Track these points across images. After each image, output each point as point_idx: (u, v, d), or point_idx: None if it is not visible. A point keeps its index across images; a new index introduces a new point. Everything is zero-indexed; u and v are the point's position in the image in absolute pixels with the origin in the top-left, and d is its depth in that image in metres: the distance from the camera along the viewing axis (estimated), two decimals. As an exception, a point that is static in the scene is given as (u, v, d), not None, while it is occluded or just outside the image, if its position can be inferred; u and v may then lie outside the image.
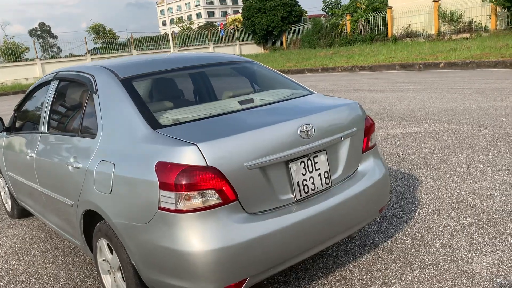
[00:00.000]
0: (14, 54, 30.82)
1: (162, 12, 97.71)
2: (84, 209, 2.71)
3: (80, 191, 2.70)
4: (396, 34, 26.21)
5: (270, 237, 2.22)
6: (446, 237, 3.27)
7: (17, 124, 4.03)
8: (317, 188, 2.52)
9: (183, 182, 2.08)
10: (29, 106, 3.96)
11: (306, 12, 37.10)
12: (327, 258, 3.16)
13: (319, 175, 2.53)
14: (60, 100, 3.36)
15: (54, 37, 77.11)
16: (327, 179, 2.57)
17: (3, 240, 4.08)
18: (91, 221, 2.79)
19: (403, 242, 3.26)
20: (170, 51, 30.04)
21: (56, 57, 34.75)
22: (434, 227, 3.44)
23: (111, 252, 2.63)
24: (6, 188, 4.48)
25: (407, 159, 5.25)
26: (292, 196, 2.42)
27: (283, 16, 33.55)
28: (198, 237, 2.10)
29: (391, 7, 26.61)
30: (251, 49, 35.73)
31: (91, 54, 32.05)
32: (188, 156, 2.10)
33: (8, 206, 4.63)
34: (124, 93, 2.61)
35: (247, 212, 2.24)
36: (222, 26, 43.02)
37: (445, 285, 2.67)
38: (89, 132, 2.77)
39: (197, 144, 2.12)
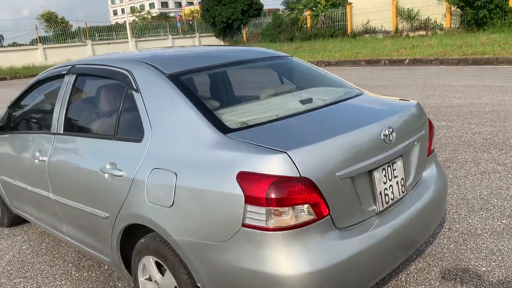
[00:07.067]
0: None
1: (113, 0, 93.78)
2: (126, 224, 2.38)
3: (122, 203, 2.37)
4: (355, 30, 26.62)
5: (362, 255, 2.01)
6: (489, 240, 3.19)
7: (13, 123, 3.57)
8: (395, 197, 2.33)
9: (274, 196, 1.82)
10: (32, 103, 3.50)
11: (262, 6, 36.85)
12: (374, 266, 2.99)
13: (397, 182, 2.34)
14: (81, 97, 2.97)
15: (-6, 24, 72.22)
16: (403, 186, 2.39)
17: (-4, 253, 3.61)
18: (128, 235, 2.47)
19: (447, 247, 3.15)
20: (128, 41, 28.85)
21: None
22: (472, 230, 3.36)
23: (160, 272, 2.33)
24: None
25: (414, 158, 5.19)
26: (375, 207, 2.22)
27: (243, 9, 33.14)
28: (290, 258, 1.86)
29: (350, 3, 26.97)
30: (211, 41, 35.06)
31: (43, 44, 30.16)
32: (279, 165, 1.84)
33: (-5, 213, 4.13)
34: (176, 91, 2.30)
35: (337, 227, 2.01)
36: (179, 17, 42.02)
37: (509, 294, 2.58)
38: (130, 136, 2.43)
39: (288, 152, 1.87)
